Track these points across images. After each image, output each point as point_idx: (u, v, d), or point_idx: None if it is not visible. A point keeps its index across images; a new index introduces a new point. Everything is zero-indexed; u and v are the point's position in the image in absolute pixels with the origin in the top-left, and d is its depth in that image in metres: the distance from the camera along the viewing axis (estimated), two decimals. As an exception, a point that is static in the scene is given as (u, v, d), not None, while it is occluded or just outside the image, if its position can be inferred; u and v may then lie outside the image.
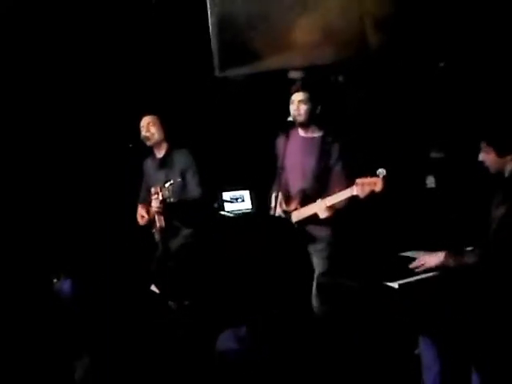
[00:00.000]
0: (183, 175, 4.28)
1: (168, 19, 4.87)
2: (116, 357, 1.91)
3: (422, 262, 3.12)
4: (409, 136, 4.45)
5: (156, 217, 4.29)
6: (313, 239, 3.63)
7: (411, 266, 3.12)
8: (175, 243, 4.30)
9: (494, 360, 2.82)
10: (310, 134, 3.87)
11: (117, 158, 4.71)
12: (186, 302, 2.57)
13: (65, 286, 2.02)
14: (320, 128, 3.86)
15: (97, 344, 1.94)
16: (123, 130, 4.64)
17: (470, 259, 2.93)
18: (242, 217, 2.12)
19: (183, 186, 4.26)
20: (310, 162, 3.80)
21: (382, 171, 3.43)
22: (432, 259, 3.11)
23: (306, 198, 3.77)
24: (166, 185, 4.10)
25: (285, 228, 1.81)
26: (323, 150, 3.78)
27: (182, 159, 4.34)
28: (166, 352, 1.95)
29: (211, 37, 4.69)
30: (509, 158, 2.88)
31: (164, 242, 4.29)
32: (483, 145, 2.96)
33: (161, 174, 4.37)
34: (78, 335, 1.97)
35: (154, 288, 2.73)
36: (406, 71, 4.38)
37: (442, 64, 4.37)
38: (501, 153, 2.90)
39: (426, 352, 3.03)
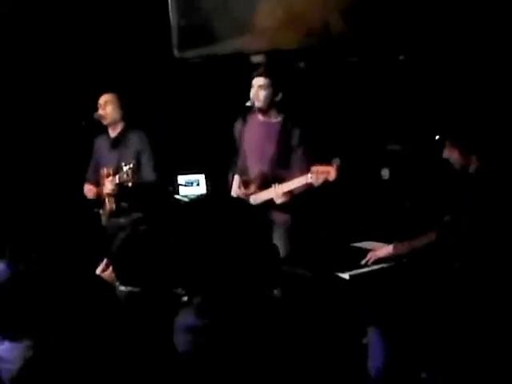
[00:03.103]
0: (138, 157, 4.15)
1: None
2: (59, 341, 1.85)
3: (372, 257, 3.17)
4: (366, 127, 4.48)
5: (106, 199, 4.18)
6: (272, 223, 3.62)
7: (362, 262, 3.16)
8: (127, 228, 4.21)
9: (441, 351, 2.87)
10: (269, 119, 3.84)
11: (69, 135, 4.59)
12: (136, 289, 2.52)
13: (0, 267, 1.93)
14: (279, 113, 3.84)
15: (37, 329, 1.87)
16: (78, 108, 4.52)
17: (419, 243, 3.00)
18: (198, 199, 2.08)
19: (137, 168, 4.15)
20: (270, 147, 3.78)
21: (336, 160, 3.45)
22: (380, 252, 3.17)
23: (265, 182, 3.75)
24: (125, 168, 3.95)
25: (245, 208, 1.78)
26: (283, 135, 3.77)
27: (136, 140, 4.22)
28: (115, 336, 1.90)
29: (170, 16, 4.60)
30: (473, 157, 2.92)
31: (117, 225, 4.19)
32: (448, 143, 2.99)
33: (113, 155, 4.25)
34: (16, 319, 1.89)
35: (98, 271, 2.66)
36: (367, 63, 4.39)
37: (401, 57, 4.39)
38: (465, 153, 2.93)
39: (373, 342, 3.07)
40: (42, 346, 1.85)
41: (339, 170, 3.44)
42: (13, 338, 1.90)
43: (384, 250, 3.18)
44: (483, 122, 2.96)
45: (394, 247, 3.13)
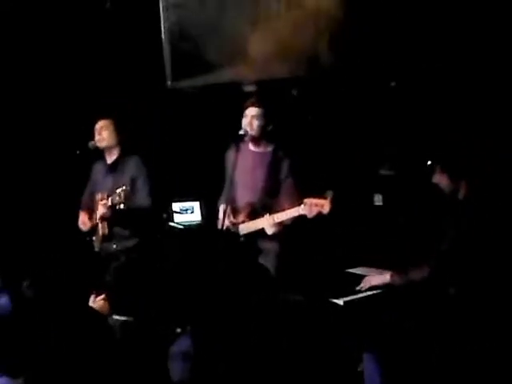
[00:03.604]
0: (133, 183, 4.17)
1: (122, 26, 4.82)
2: (58, 373, 1.85)
3: (367, 284, 3.17)
4: (358, 153, 4.51)
5: (99, 224, 4.19)
6: (259, 251, 3.63)
7: (357, 288, 3.16)
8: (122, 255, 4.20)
9: (437, 377, 2.86)
10: (260, 149, 3.89)
11: (63, 164, 4.62)
12: (129, 318, 2.52)
13: (1, 300, 1.93)
14: (270, 142, 3.87)
15: (36, 362, 1.86)
16: (73, 137, 4.56)
17: (416, 276, 2.99)
18: (189, 229, 2.09)
19: (131, 194, 4.17)
20: (260, 176, 3.81)
21: (329, 193, 3.48)
22: (376, 279, 3.17)
23: (254, 212, 3.78)
24: (118, 190, 3.97)
25: (231, 242, 1.80)
26: (273, 165, 3.80)
27: (133, 166, 4.26)
28: (109, 365, 1.91)
29: (164, 46, 4.65)
30: (462, 181, 2.95)
31: (110, 250, 4.20)
32: (437, 168, 3.02)
33: (109, 180, 4.28)
34: (16, 352, 1.89)
35: (91, 303, 2.66)
36: (358, 90, 4.44)
37: (393, 84, 4.44)
38: (454, 178, 2.97)
39: (369, 369, 3.05)
40: (38, 380, 1.86)
41: (333, 203, 3.47)
42: (13, 373, 1.90)
43: (379, 278, 3.18)
44: (471, 148, 3.00)
45: (391, 277, 3.11)
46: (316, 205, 3.49)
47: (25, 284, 2.07)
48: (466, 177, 2.94)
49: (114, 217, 4.09)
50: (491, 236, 2.87)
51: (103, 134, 4.30)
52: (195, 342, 1.66)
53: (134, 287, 3.72)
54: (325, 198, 3.48)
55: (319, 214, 3.50)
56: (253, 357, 1.64)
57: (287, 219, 3.65)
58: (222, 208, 3.81)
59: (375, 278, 3.19)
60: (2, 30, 4.79)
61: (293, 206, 3.61)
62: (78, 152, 4.34)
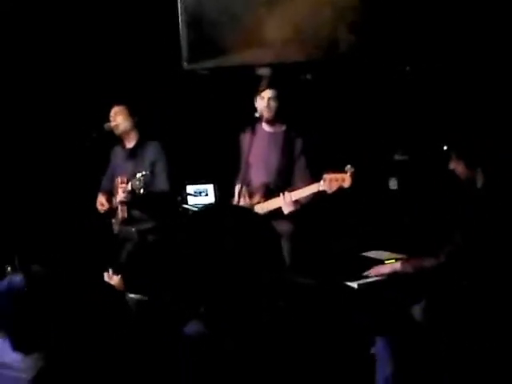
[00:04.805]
0: (152, 167, 4.22)
1: (138, 9, 4.81)
2: (70, 350, 1.87)
3: (376, 272, 3.16)
4: (373, 138, 4.49)
5: (119, 207, 4.23)
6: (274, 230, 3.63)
7: (365, 273, 3.14)
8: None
9: (449, 361, 2.86)
10: (274, 129, 3.90)
11: (80, 146, 4.64)
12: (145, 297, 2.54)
13: (16, 278, 1.95)
14: (283, 123, 3.87)
15: (52, 341, 1.88)
16: (90, 120, 4.58)
17: (429, 263, 2.97)
18: (204, 209, 2.09)
19: (151, 178, 4.19)
20: (274, 156, 3.82)
21: (349, 167, 3.45)
22: (385, 268, 3.15)
23: (269, 192, 3.78)
24: (138, 175, 4.00)
25: (252, 218, 1.79)
26: (286, 145, 3.81)
27: (152, 151, 4.30)
28: (124, 343, 1.92)
29: (180, 29, 4.65)
30: (479, 169, 2.93)
31: (128, 233, 4.23)
32: (453, 155, 3.00)
33: (129, 164, 4.32)
34: (32, 332, 1.91)
35: (107, 279, 2.68)
36: (374, 74, 4.42)
37: (408, 68, 4.41)
38: (470, 165, 2.94)
39: (381, 352, 3.06)
40: (54, 356, 1.87)
41: (354, 177, 3.45)
42: (26, 351, 1.92)
43: (390, 266, 3.16)
44: (487, 135, 2.97)
45: (401, 265, 3.09)
46: (336, 179, 3.47)
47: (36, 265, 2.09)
48: (482, 165, 2.91)
49: (133, 201, 4.12)
50: (507, 228, 2.83)
51: (118, 120, 4.34)
52: (207, 324, 1.66)
53: (148, 267, 3.76)
54: (345, 173, 3.46)
55: (340, 189, 3.47)
56: (265, 340, 1.64)
57: (306, 196, 3.63)
58: (237, 189, 3.83)
59: (385, 267, 3.16)
60: (17, 16, 4.79)
61: (306, 185, 3.60)
62: (94, 135, 4.37)
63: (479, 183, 2.93)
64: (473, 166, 2.93)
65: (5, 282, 1.95)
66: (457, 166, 2.99)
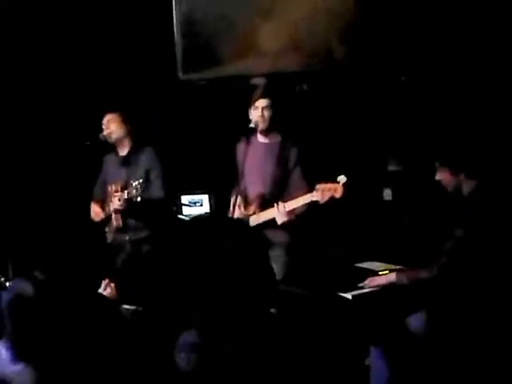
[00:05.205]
0: (147, 174, 4.17)
1: (134, 18, 4.83)
2: (69, 363, 1.86)
3: (370, 283, 3.15)
4: (368, 148, 4.51)
5: (113, 215, 4.20)
6: (270, 244, 3.63)
7: (359, 284, 3.15)
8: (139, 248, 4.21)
9: (443, 372, 2.86)
10: (269, 140, 3.89)
11: (74, 154, 4.64)
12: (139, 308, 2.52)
13: (23, 287, 1.94)
14: (278, 133, 3.88)
15: (52, 350, 1.88)
16: (84, 129, 4.58)
17: (424, 275, 2.97)
18: (198, 218, 2.09)
19: (145, 185, 4.16)
20: (269, 167, 3.82)
21: (342, 178, 3.47)
22: (381, 279, 3.15)
23: (265, 203, 3.78)
24: (134, 183, 3.95)
25: (244, 229, 1.80)
26: (281, 155, 3.81)
27: (147, 158, 4.25)
28: (118, 352, 1.92)
29: (175, 39, 4.66)
30: (462, 176, 2.94)
31: (123, 242, 4.21)
32: (437, 165, 3.01)
33: (122, 172, 4.27)
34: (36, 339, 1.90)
35: (101, 291, 2.67)
36: (369, 84, 4.44)
37: (403, 78, 4.44)
38: (454, 171, 2.95)
39: (375, 363, 3.06)
40: (50, 366, 1.87)
41: (346, 187, 3.46)
42: (28, 359, 1.91)
43: (385, 277, 3.15)
44: (469, 142, 2.98)
45: (397, 276, 3.09)
46: (329, 189, 3.48)
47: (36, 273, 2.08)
48: (467, 170, 2.92)
49: (128, 209, 4.10)
50: (495, 233, 2.84)
51: (111, 127, 4.30)
52: (202, 333, 1.66)
53: (142, 277, 3.74)
54: (337, 183, 3.48)
55: (332, 199, 3.49)
56: (259, 349, 1.64)
57: (299, 207, 3.64)
58: (232, 200, 3.83)
59: (380, 279, 3.17)
60: (10, 21, 4.79)
61: (303, 194, 3.61)
62: (87, 143, 4.36)
63: (465, 190, 2.94)
64: (457, 171, 2.94)
65: (11, 291, 1.95)
66: (443, 176, 3.00)
